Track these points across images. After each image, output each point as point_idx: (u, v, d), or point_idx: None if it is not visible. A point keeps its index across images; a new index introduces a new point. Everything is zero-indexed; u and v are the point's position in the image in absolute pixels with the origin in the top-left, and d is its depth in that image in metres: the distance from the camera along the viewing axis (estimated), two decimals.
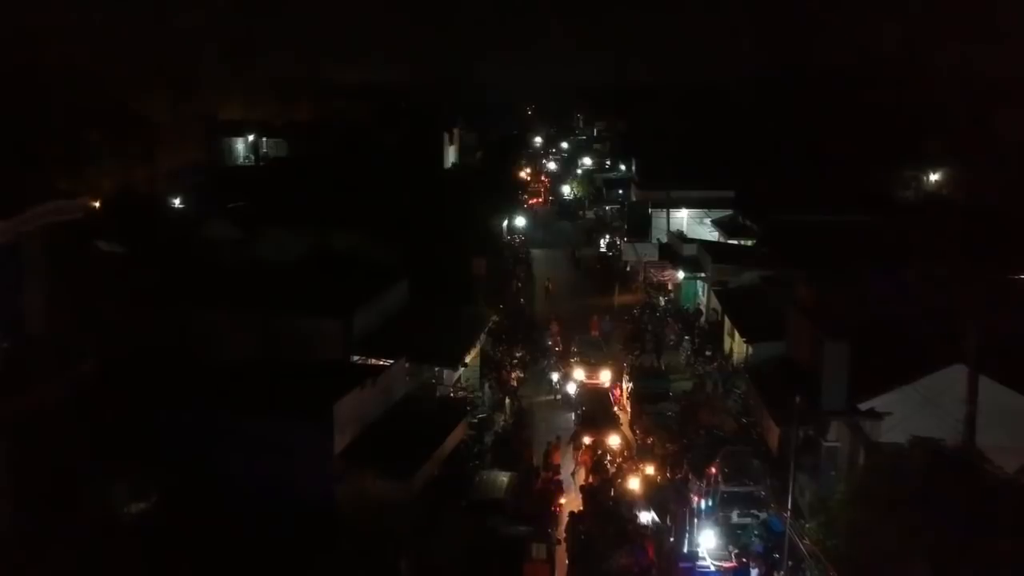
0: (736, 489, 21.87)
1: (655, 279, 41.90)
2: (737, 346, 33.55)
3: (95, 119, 66.31)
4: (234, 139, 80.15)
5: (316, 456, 19.30)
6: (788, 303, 28.45)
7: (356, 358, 24.73)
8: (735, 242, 46.16)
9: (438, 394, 26.25)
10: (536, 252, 56.51)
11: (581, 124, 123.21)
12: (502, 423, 28.48)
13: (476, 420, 27.08)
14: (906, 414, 20.62)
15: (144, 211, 50.34)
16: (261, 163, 75.91)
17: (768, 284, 33.49)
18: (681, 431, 26.88)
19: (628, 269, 46.25)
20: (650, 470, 23.93)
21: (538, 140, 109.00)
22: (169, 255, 37.70)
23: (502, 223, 56.56)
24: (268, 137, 79.89)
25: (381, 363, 24.49)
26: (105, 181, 65.41)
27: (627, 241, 46.22)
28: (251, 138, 79.79)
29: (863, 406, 20.77)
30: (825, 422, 21.21)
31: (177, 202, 57.94)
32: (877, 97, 79.19)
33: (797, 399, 18.26)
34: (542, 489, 22.64)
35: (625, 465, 24.18)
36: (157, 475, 19.88)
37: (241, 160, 79.30)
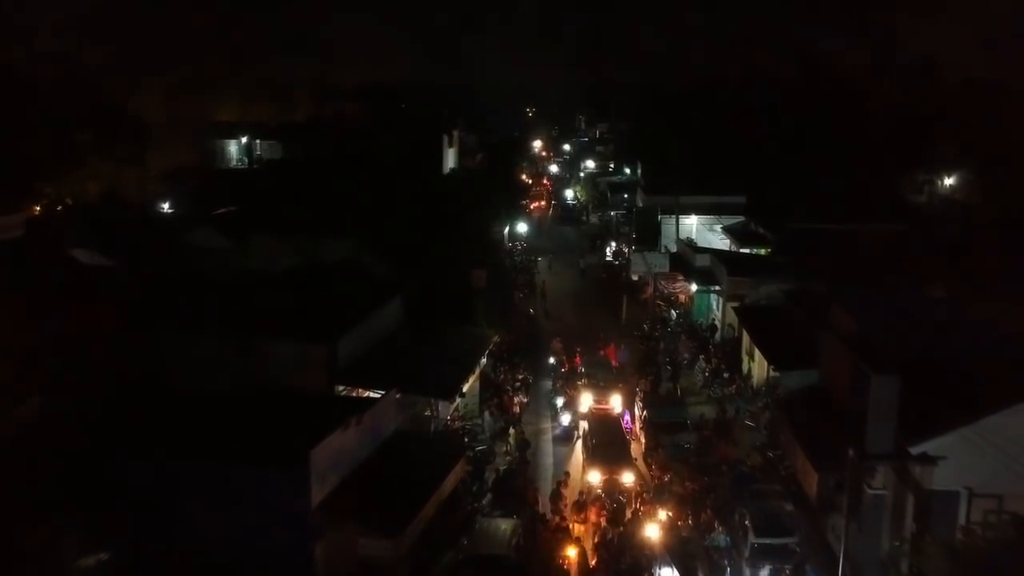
0: (768, 541, 19.44)
1: (666, 291, 39.28)
2: (758, 367, 31.07)
3: (83, 119, 64.30)
4: (227, 141, 77.90)
5: (291, 509, 16.82)
6: (817, 323, 26.00)
7: (341, 388, 22.28)
8: (748, 251, 43.74)
9: (433, 428, 23.69)
10: (538, 260, 53.91)
11: (583, 125, 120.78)
12: (504, 453, 25.98)
13: (475, 453, 24.59)
14: (963, 459, 18.19)
15: (130, 216, 48.21)
16: (254, 166, 73.74)
17: (792, 300, 30.97)
18: (701, 465, 24.43)
19: (637, 279, 43.64)
20: (669, 514, 21.36)
21: (538, 143, 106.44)
22: (148, 267, 35.56)
23: (503, 229, 54.17)
24: (262, 139, 77.58)
25: (369, 395, 22.08)
26: (92, 184, 63.46)
27: (636, 250, 43.61)
28: (245, 140, 77.47)
29: (914, 450, 18.25)
30: (871, 467, 18.69)
31: (166, 206, 55.67)
32: (889, 98, 76.93)
33: (851, 453, 15.73)
34: (550, 540, 20.01)
35: (642, 509, 21.61)
36: (111, 528, 17.51)
37: (234, 162, 77.14)
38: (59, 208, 56.99)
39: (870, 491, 18.79)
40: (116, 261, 36.84)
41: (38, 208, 56.85)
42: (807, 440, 20.49)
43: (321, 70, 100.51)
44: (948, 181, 66.77)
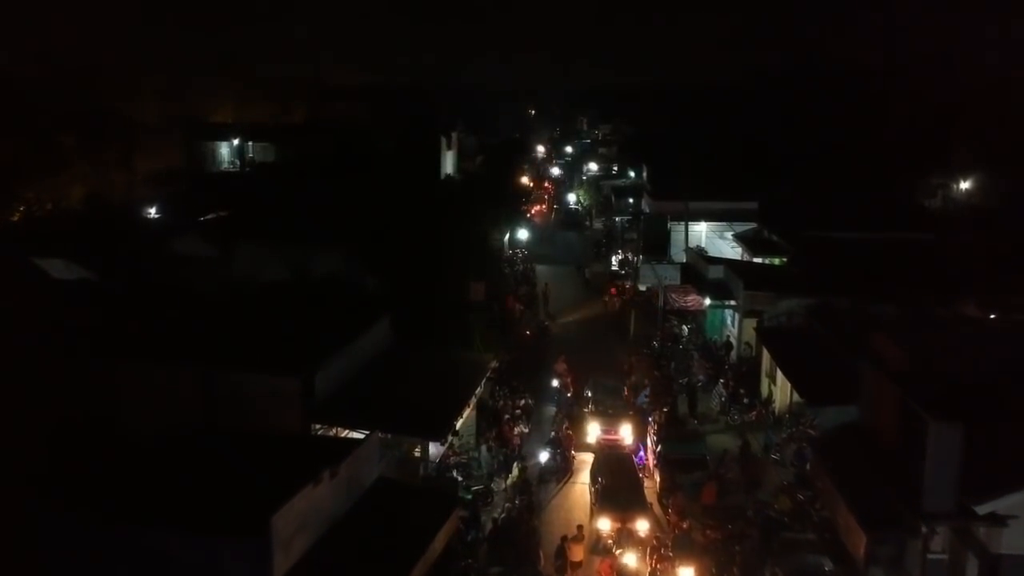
0: None
1: (677, 305, 36.61)
2: (780, 391, 28.47)
3: (68, 119, 62.06)
4: (218, 143, 75.36)
5: None
6: (848, 347, 23.44)
7: (318, 427, 19.65)
8: (761, 260, 41.19)
9: (423, 471, 21.06)
10: (539, 268, 51.38)
11: (585, 127, 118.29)
12: (504, 490, 23.34)
13: (471, 495, 21.96)
14: None
15: (114, 222, 45.77)
16: (246, 168, 71.27)
17: (817, 319, 28.35)
18: (723, 510, 21.79)
19: (645, 289, 41.05)
20: (691, 571, 18.73)
21: (541, 148, 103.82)
22: (126, 279, 33.21)
23: (503, 236, 51.62)
24: (255, 141, 75.01)
25: (349, 435, 19.50)
26: (76, 188, 61.09)
27: (645, 262, 40.96)
28: (236, 142, 74.91)
29: (980, 509, 15.63)
30: (930, 528, 16.08)
31: (152, 211, 53.16)
32: (902, 99, 74.51)
33: (924, 529, 13.12)
34: None
35: (659, 567, 18.98)
36: None
37: (225, 165, 74.62)
38: (38, 214, 54.48)
39: (928, 555, 16.19)
40: (94, 272, 34.59)
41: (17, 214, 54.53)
42: (851, 493, 17.80)
43: (318, 70, 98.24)
44: (964, 185, 64.24)
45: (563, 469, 25.10)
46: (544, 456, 25.27)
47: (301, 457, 17.16)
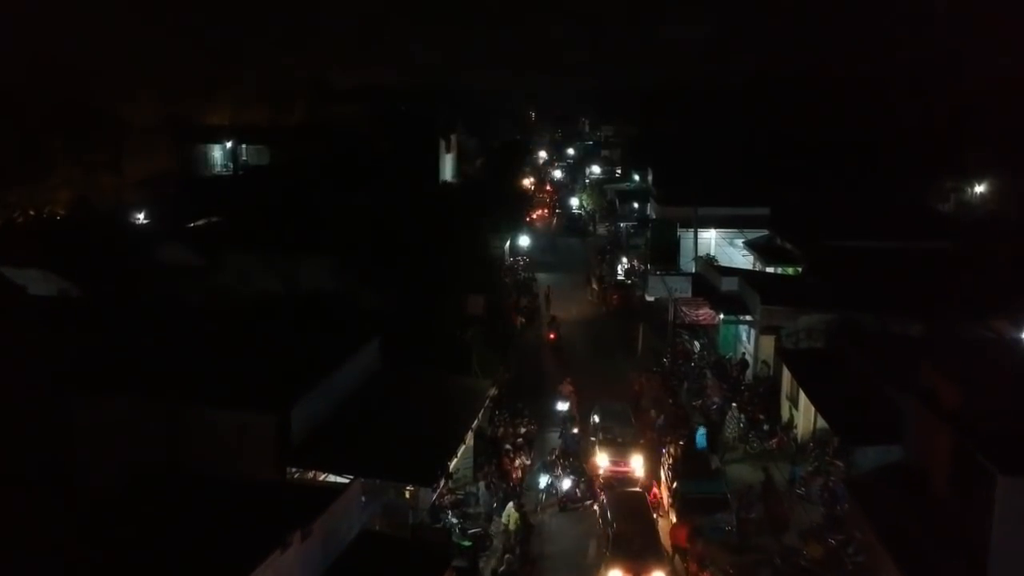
0: None
1: (688, 320, 34.41)
2: (803, 417, 26.25)
3: (54, 120, 60.22)
4: (211, 145, 73.29)
5: None
6: (882, 373, 21.29)
7: (294, 471, 17.46)
8: (773, 270, 39.04)
9: (412, 521, 18.86)
10: (541, 277, 49.25)
11: (587, 128, 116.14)
12: (504, 531, 21.12)
13: (468, 540, 19.77)
14: None
15: (97, 230, 43.79)
16: (239, 172, 69.21)
17: (844, 339, 26.14)
18: (747, 560, 19.57)
19: (653, 300, 38.88)
20: None
21: (543, 153, 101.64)
22: (108, 292, 31.27)
23: (504, 244, 49.50)
24: (248, 143, 72.95)
25: (328, 480, 17.34)
26: (63, 192, 59.25)
27: (657, 274, 38.72)
28: (229, 144, 72.79)
29: None
30: None
31: (141, 216, 51.16)
32: (915, 100, 72.49)
33: None
34: None
35: None
36: None
37: (218, 169, 72.59)
38: (19, 220, 52.38)
39: None
40: (74, 284, 32.69)
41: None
42: (901, 551, 15.54)
43: (315, 71, 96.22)
44: (978, 189, 62.03)
45: (586, 497, 23.05)
46: (567, 484, 23.22)
47: (271, 509, 14.98)
